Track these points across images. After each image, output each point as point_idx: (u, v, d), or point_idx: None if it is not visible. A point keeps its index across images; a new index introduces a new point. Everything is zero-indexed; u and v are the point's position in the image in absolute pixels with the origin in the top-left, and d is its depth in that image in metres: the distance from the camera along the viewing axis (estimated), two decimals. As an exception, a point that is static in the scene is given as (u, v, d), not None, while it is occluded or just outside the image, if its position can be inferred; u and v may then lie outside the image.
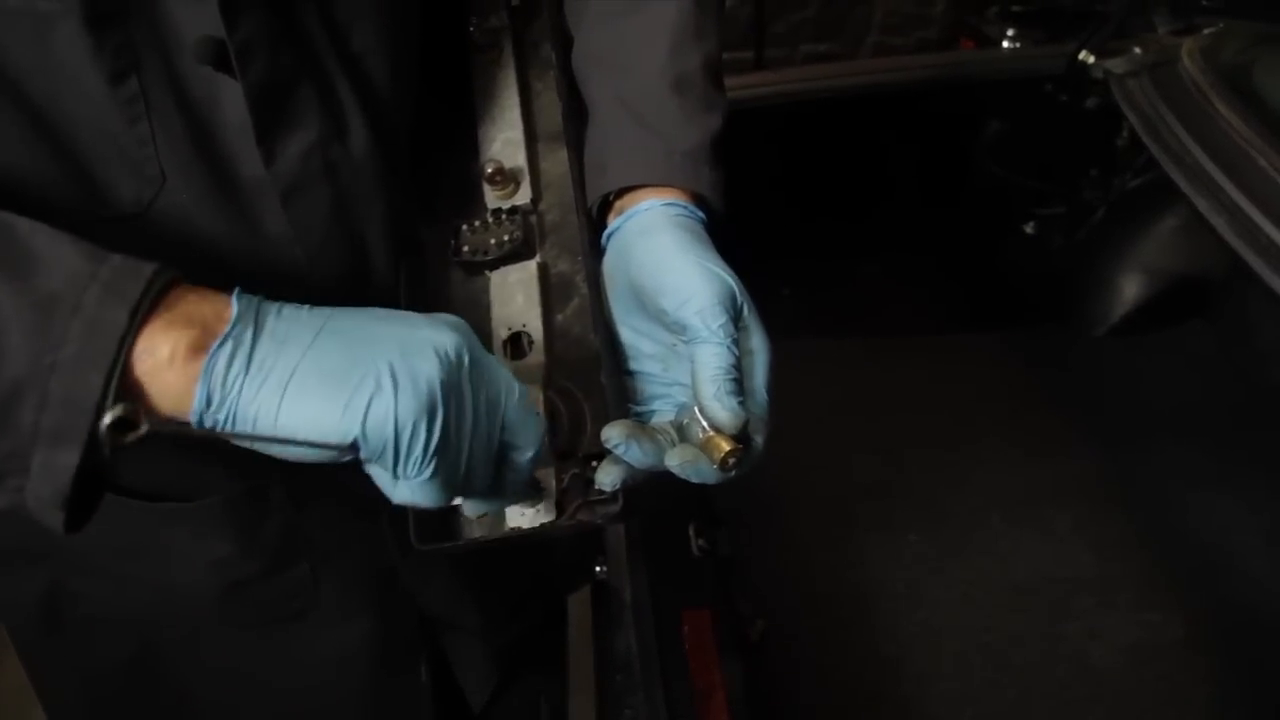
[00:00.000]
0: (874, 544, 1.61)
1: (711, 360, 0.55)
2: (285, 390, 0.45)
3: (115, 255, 0.46)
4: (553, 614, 1.13)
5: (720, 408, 0.54)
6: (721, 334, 0.55)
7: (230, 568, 0.76)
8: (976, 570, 1.56)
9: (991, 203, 1.93)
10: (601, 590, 0.90)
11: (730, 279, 0.57)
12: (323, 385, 0.46)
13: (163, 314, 0.45)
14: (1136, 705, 1.38)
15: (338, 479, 0.54)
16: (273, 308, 0.49)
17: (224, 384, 0.45)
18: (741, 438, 0.55)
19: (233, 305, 0.47)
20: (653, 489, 0.58)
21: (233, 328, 0.46)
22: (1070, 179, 1.86)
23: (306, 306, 0.50)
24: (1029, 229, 1.93)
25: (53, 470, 0.43)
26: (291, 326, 0.48)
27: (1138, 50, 1.62)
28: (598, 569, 0.91)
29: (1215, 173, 1.34)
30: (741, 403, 0.55)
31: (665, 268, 0.58)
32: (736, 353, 0.56)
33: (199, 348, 0.45)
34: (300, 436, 0.45)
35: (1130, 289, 1.82)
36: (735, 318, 0.57)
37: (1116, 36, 1.65)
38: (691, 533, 1.26)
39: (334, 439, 0.46)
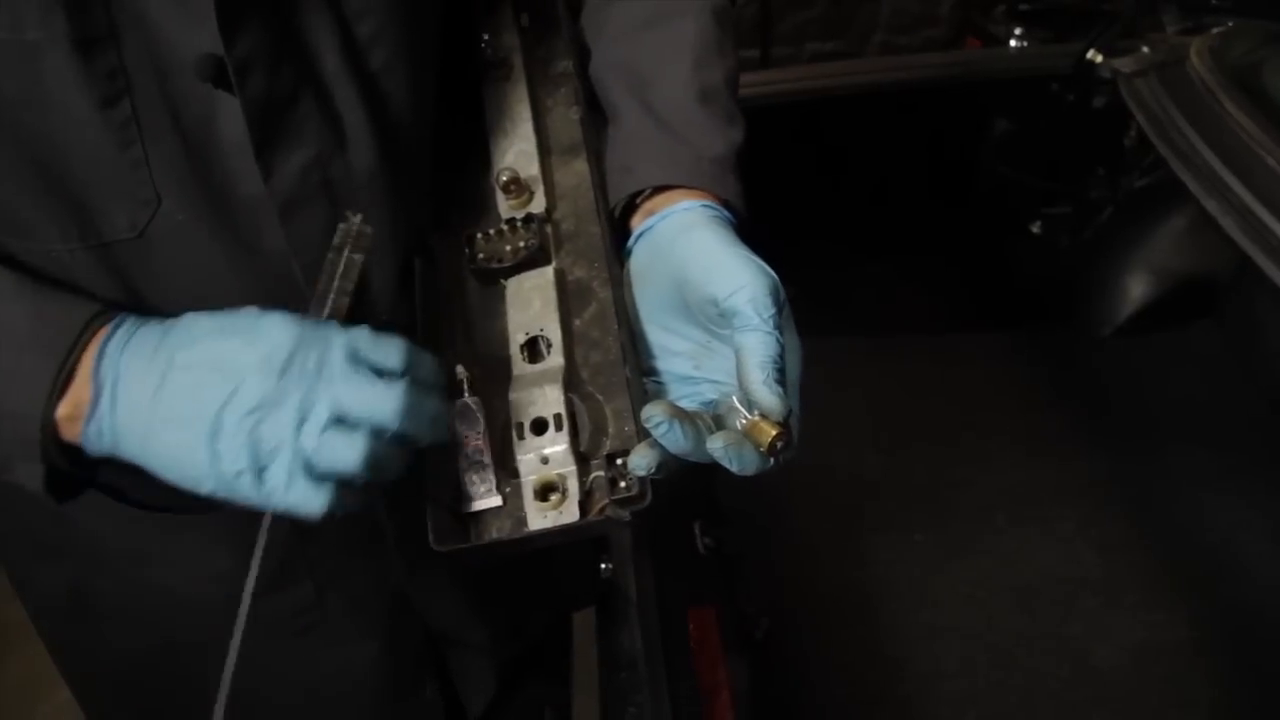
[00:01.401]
0: (879, 543, 1.61)
1: (760, 347, 0.56)
2: (146, 442, 0.54)
3: (54, 309, 0.55)
4: (556, 627, 1.13)
5: (769, 393, 0.55)
6: (771, 323, 0.56)
7: (230, 582, 0.76)
8: (981, 570, 1.56)
9: (998, 202, 1.93)
10: (606, 588, 0.90)
11: (774, 276, 0.59)
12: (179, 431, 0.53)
13: (80, 370, 0.54)
14: (1141, 705, 1.38)
15: None
16: (122, 362, 0.54)
17: (100, 447, 0.55)
18: (785, 425, 0.56)
19: (91, 382, 0.54)
20: (660, 488, 0.58)
21: (93, 408, 0.54)
22: (1077, 179, 1.85)
23: (153, 343, 0.55)
24: (1036, 229, 1.92)
25: (30, 475, 0.57)
26: (134, 384, 0.54)
27: (1145, 49, 1.61)
28: (602, 566, 0.91)
29: (1223, 172, 1.33)
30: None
31: (715, 260, 0.59)
32: (783, 343, 0.57)
33: (75, 422, 0.54)
34: (172, 477, 0.55)
35: (1137, 289, 1.81)
36: (779, 312, 0.58)
37: (1124, 36, 1.65)
38: (697, 531, 1.26)
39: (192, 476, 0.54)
